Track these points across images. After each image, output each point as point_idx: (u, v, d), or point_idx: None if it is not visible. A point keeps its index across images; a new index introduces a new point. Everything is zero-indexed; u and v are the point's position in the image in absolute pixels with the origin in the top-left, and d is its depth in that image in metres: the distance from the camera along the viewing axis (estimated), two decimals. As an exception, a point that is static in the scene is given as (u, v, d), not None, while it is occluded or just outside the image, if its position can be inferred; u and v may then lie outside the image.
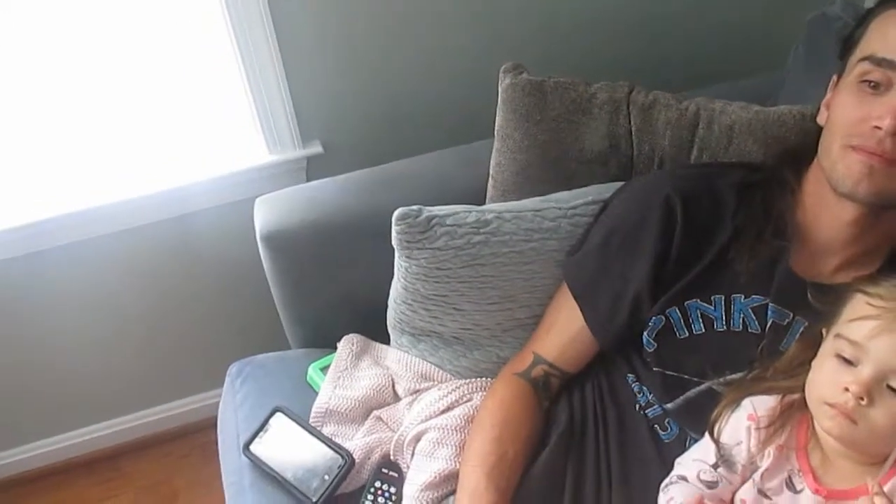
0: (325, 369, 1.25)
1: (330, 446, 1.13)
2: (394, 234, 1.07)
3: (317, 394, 1.22)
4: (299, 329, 1.35)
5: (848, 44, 0.95)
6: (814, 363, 0.85)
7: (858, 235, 0.94)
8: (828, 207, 0.95)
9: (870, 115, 0.87)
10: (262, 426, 1.17)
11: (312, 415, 1.18)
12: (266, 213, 1.26)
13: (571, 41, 1.46)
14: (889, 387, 0.77)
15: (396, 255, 1.11)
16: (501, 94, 1.18)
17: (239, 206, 1.38)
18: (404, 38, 1.39)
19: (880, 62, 0.87)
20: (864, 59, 0.89)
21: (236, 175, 1.46)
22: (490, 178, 1.22)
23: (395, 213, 1.06)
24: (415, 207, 1.07)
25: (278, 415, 1.18)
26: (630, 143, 1.16)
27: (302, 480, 1.11)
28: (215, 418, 1.30)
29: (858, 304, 0.82)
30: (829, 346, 0.83)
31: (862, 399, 0.77)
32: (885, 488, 0.80)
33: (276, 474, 1.12)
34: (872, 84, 0.88)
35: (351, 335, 1.28)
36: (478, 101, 1.27)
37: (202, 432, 1.82)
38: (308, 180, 1.49)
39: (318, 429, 1.17)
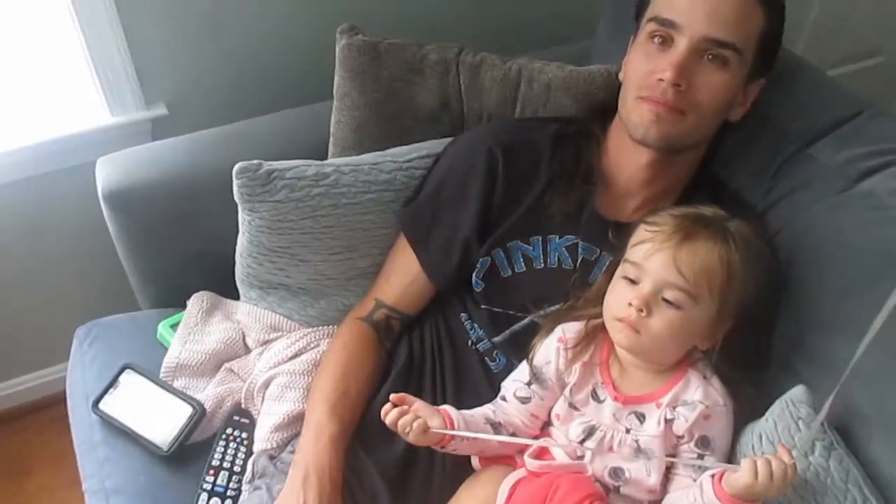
0: (175, 326, 1.27)
1: (180, 397, 1.16)
2: (235, 188, 1.11)
3: (168, 350, 1.24)
4: (149, 290, 1.35)
5: (640, 6, 1.07)
6: (609, 287, 0.97)
7: (653, 178, 1.07)
8: (627, 153, 1.07)
9: (656, 68, 0.99)
10: (112, 383, 1.18)
11: (163, 370, 1.21)
12: (108, 173, 1.25)
13: (406, 4, 1.52)
14: (664, 299, 0.90)
15: (239, 209, 1.14)
16: (338, 55, 1.23)
17: (82, 169, 1.36)
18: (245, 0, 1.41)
19: (664, 22, 0.99)
20: (651, 19, 1.01)
21: (77, 137, 1.43)
22: (331, 136, 1.27)
23: (235, 168, 1.09)
24: (255, 162, 1.10)
25: (128, 371, 1.19)
26: (460, 101, 1.24)
27: (152, 431, 1.13)
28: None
29: (640, 231, 0.94)
30: (619, 271, 0.95)
31: (642, 311, 0.90)
32: (668, 397, 0.94)
33: (127, 428, 1.14)
34: (659, 40, 1.00)
35: (201, 292, 1.30)
36: (319, 62, 1.31)
37: (57, 406, 1.77)
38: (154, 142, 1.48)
39: (170, 383, 1.20)
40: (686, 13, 0.97)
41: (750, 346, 0.99)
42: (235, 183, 1.10)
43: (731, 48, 0.97)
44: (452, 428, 0.94)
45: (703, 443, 0.92)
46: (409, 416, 0.92)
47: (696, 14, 0.97)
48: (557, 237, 1.08)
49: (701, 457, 0.92)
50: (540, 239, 1.09)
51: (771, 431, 0.90)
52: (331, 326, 1.22)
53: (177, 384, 1.20)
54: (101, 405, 1.17)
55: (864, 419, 0.89)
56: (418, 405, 0.94)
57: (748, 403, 0.96)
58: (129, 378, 1.19)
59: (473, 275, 1.09)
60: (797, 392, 0.90)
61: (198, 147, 1.30)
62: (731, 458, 0.94)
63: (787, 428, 0.88)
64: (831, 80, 1.19)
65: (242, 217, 1.14)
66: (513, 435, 0.99)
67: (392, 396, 0.94)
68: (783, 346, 1.01)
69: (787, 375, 0.98)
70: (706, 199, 1.06)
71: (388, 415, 0.92)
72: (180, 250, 1.31)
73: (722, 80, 0.98)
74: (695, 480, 0.91)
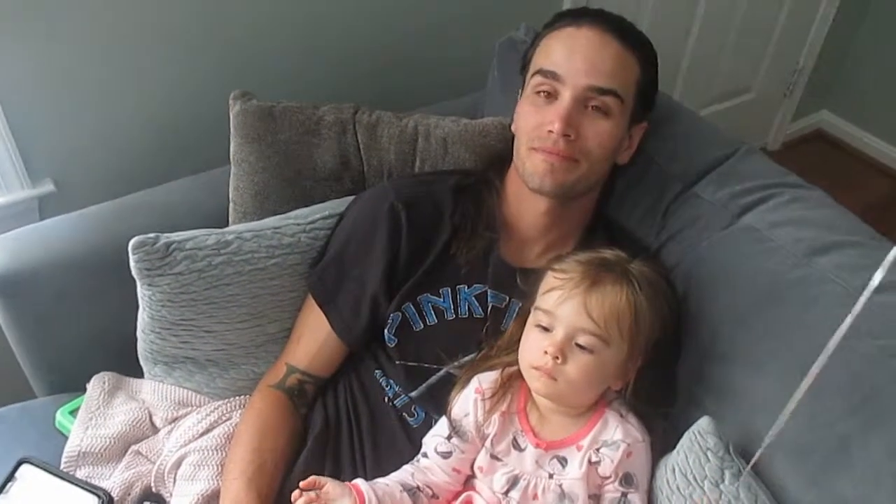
0: (75, 412, 1.20)
1: (84, 488, 1.09)
2: (132, 263, 1.07)
3: (68, 438, 1.17)
4: (44, 376, 1.28)
5: (525, 62, 1.12)
6: (522, 335, 0.98)
7: (552, 224, 1.10)
8: (525, 201, 1.10)
9: (544, 120, 1.03)
10: (7, 480, 1.10)
11: (64, 460, 1.14)
12: (-7, 257, 1.19)
13: (300, 66, 1.53)
14: (578, 344, 0.92)
15: (138, 284, 1.10)
16: (233, 121, 1.22)
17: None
18: (131, 71, 1.38)
19: (546, 73, 1.04)
20: (535, 73, 1.06)
21: (-43, 220, 1.35)
22: (230, 203, 1.25)
23: (131, 243, 1.06)
24: (151, 235, 1.07)
25: (25, 466, 1.11)
26: (360, 159, 1.25)
27: (56, 529, 1.07)
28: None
29: (548, 279, 0.97)
30: (531, 319, 0.97)
31: (557, 358, 0.92)
32: (587, 439, 0.96)
33: (28, 529, 1.07)
34: (545, 94, 1.04)
35: (102, 373, 1.24)
36: (214, 128, 1.29)
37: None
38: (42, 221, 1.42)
39: (72, 473, 1.13)
40: (566, 66, 1.02)
41: (659, 381, 1.02)
42: (132, 258, 1.06)
43: (612, 94, 1.02)
44: None
45: (627, 480, 0.94)
46: None
47: (576, 66, 1.02)
48: (466, 287, 1.10)
49: (625, 495, 0.94)
50: (449, 290, 1.10)
51: (683, 464, 0.93)
52: (242, 397, 1.18)
53: (80, 474, 1.13)
54: (-3, 506, 1.09)
55: (767, 446, 0.93)
56: (328, 487, 0.93)
57: (662, 437, 0.99)
58: (26, 473, 1.11)
59: (385, 330, 1.09)
60: (703, 423, 0.93)
61: (89, 223, 1.25)
62: (649, 491, 0.97)
63: (697, 459, 0.91)
64: (706, 121, 1.28)
65: (142, 292, 1.11)
66: (433, 497, 0.99)
67: (302, 483, 0.92)
68: (687, 378, 1.06)
69: (694, 407, 1.02)
70: (604, 240, 1.11)
71: (297, 503, 0.91)
72: (77, 332, 1.24)
73: (607, 126, 1.03)
74: None
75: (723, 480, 0.89)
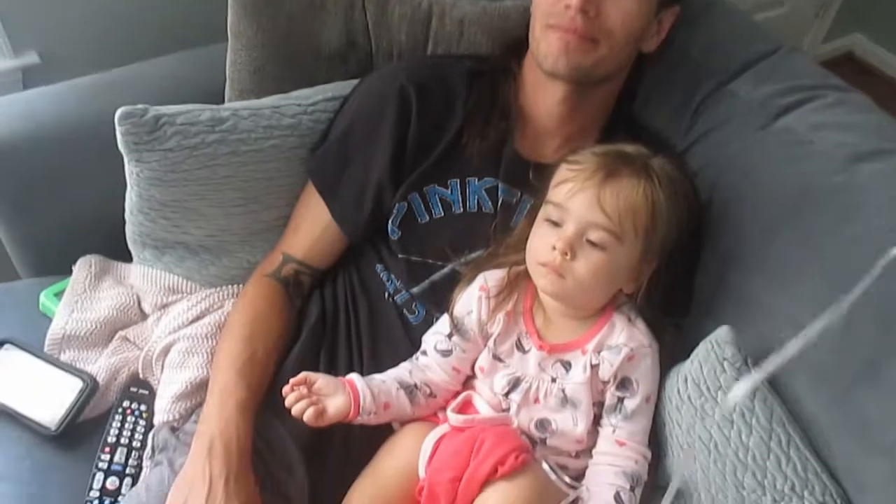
0: (60, 295, 1.15)
1: (68, 371, 1.05)
2: (118, 136, 0.99)
3: (52, 321, 1.12)
4: (28, 257, 1.22)
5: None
6: (531, 231, 0.92)
7: (569, 114, 1.02)
8: (542, 89, 1.01)
9: None
10: (-11, 361, 1.06)
11: (48, 342, 1.09)
12: (-27, 127, 1.11)
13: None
14: (589, 240, 0.86)
15: (126, 160, 1.03)
16: (231, -12, 1.12)
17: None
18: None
19: None
20: None
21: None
22: (227, 79, 1.16)
23: (118, 113, 0.98)
24: (140, 106, 0.99)
25: (7, 347, 1.08)
26: (368, 39, 1.15)
27: (38, 411, 1.02)
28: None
29: (561, 171, 0.90)
30: (541, 213, 0.91)
31: (566, 254, 0.85)
32: (593, 343, 0.90)
33: (8, 409, 1.03)
34: None
35: (88, 256, 1.18)
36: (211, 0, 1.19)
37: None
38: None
39: (56, 356, 1.09)
40: None
41: (674, 288, 0.96)
42: (118, 130, 0.99)
43: None
44: (357, 403, 0.88)
45: (624, 385, 0.90)
46: (303, 404, 0.86)
47: None
48: (476, 179, 1.03)
49: (621, 400, 0.90)
50: (458, 182, 1.03)
51: (696, 373, 0.88)
52: (235, 286, 1.13)
53: (64, 357, 1.09)
54: (-23, 385, 1.05)
55: (788, 362, 0.88)
56: (320, 383, 0.88)
57: (670, 347, 0.94)
58: (8, 354, 1.07)
59: (389, 222, 1.03)
60: (721, 333, 0.88)
61: (75, 95, 1.17)
62: (657, 401, 0.92)
63: (712, 369, 0.86)
64: (747, 17, 1.17)
65: (129, 169, 1.03)
66: (430, 396, 0.95)
67: (292, 380, 0.87)
68: (705, 287, 1.00)
69: (710, 319, 0.96)
70: (626, 139, 1.02)
71: (287, 398, 0.86)
72: (62, 211, 1.18)
73: (632, 4, 0.93)
74: (614, 431, 0.89)
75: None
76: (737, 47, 1.08)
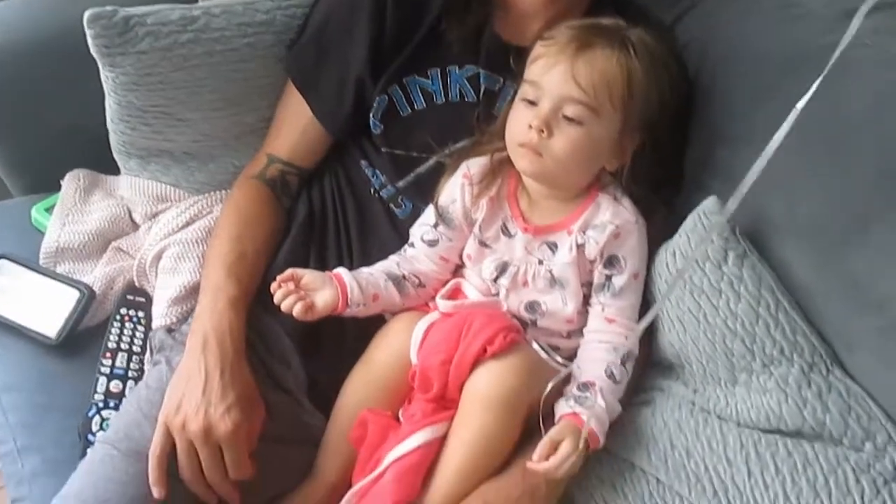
0: (50, 209, 1.16)
1: (65, 282, 1.07)
2: (89, 40, 0.98)
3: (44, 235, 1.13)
4: (16, 173, 1.23)
5: None
6: (509, 114, 0.90)
7: None
8: None
9: None
10: (-14, 276, 1.08)
11: (42, 256, 1.11)
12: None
13: None
14: (565, 116, 0.84)
15: (100, 66, 1.01)
16: None
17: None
18: None
19: None
20: None
21: None
22: (197, -22, 1.13)
23: (86, 16, 0.96)
24: (109, 8, 0.97)
25: (2, 262, 1.09)
26: (339, -72, 1.11)
27: (38, 321, 1.04)
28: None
29: (536, 49, 0.87)
30: (518, 94, 0.88)
31: (542, 132, 0.84)
32: (578, 223, 0.89)
33: (8, 321, 1.05)
34: None
35: (76, 170, 1.18)
36: None
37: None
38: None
39: (51, 269, 1.10)
40: None
41: (662, 165, 0.94)
42: (88, 34, 0.97)
43: None
44: (345, 295, 0.89)
45: (611, 262, 0.89)
46: (291, 299, 0.86)
47: None
48: (457, 68, 1.00)
49: (609, 278, 0.89)
50: (438, 71, 1.00)
51: (685, 246, 0.87)
52: (222, 191, 1.13)
53: (60, 269, 1.10)
54: (-24, 300, 1.06)
55: (776, 225, 0.87)
56: (307, 278, 0.89)
57: (662, 225, 0.93)
58: (5, 268, 1.09)
59: (371, 116, 1.01)
60: (708, 204, 0.86)
61: (44, 4, 1.14)
62: (647, 279, 0.92)
63: (700, 241, 0.85)
64: None
65: (105, 75, 1.02)
66: (419, 286, 0.95)
67: (279, 277, 0.88)
68: (693, 164, 0.98)
69: (700, 193, 0.94)
70: (610, 14, 0.99)
71: (275, 295, 0.87)
72: (45, 126, 1.17)
73: None
74: (603, 309, 0.89)
75: (726, 262, 0.83)
76: None
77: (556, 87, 0.83)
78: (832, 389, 0.78)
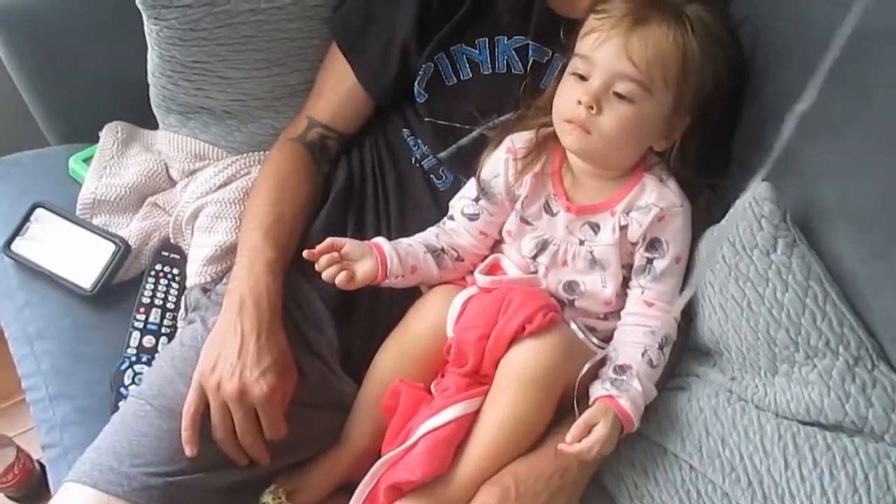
0: (88, 160, 1.16)
1: (101, 235, 1.07)
2: (135, -9, 0.96)
3: (82, 186, 1.13)
4: (55, 123, 1.22)
5: None
6: (557, 88, 0.88)
7: None
8: None
9: None
10: (23, 224, 1.08)
11: (79, 206, 1.11)
12: (-14, -13, 1.08)
13: None
14: (616, 93, 0.82)
15: (144, 19, 1.00)
16: None
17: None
18: None
19: None
20: None
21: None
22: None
23: (133, -33, 0.95)
24: (155, -41, 0.96)
25: (39, 210, 1.09)
26: None
27: (73, 272, 1.05)
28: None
29: (589, 21, 0.85)
30: (568, 67, 0.86)
31: (592, 108, 0.81)
32: (622, 204, 0.88)
33: (45, 270, 1.06)
34: None
35: (114, 122, 1.18)
36: None
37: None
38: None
39: (88, 220, 1.10)
40: None
41: (710, 147, 0.92)
42: (135, -15, 0.96)
43: None
44: (384, 266, 0.88)
45: (653, 245, 0.87)
46: (333, 269, 0.85)
47: None
48: (506, 38, 0.98)
49: (650, 261, 0.88)
50: (486, 41, 0.98)
51: (732, 232, 0.85)
52: (261, 152, 1.12)
53: (96, 221, 1.11)
54: (14, 247, 1.07)
55: (828, 215, 0.84)
56: (347, 248, 0.88)
57: (705, 209, 0.91)
58: (41, 217, 1.09)
59: (416, 84, 0.99)
60: (761, 189, 0.84)
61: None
62: (689, 263, 0.90)
63: (749, 227, 0.83)
64: None
65: (149, 28, 1.01)
66: (458, 259, 0.94)
67: (318, 247, 0.87)
68: (743, 146, 0.95)
69: (748, 177, 0.91)
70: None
71: (318, 263, 0.86)
72: (86, 76, 1.17)
73: None
74: (643, 292, 0.88)
75: (775, 250, 0.81)
76: None
77: (609, 63, 0.81)
78: (877, 384, 0.76)
